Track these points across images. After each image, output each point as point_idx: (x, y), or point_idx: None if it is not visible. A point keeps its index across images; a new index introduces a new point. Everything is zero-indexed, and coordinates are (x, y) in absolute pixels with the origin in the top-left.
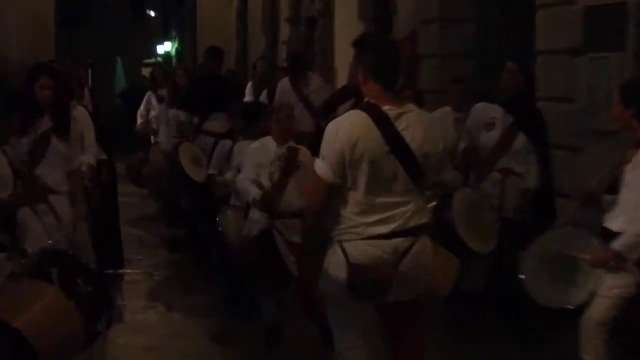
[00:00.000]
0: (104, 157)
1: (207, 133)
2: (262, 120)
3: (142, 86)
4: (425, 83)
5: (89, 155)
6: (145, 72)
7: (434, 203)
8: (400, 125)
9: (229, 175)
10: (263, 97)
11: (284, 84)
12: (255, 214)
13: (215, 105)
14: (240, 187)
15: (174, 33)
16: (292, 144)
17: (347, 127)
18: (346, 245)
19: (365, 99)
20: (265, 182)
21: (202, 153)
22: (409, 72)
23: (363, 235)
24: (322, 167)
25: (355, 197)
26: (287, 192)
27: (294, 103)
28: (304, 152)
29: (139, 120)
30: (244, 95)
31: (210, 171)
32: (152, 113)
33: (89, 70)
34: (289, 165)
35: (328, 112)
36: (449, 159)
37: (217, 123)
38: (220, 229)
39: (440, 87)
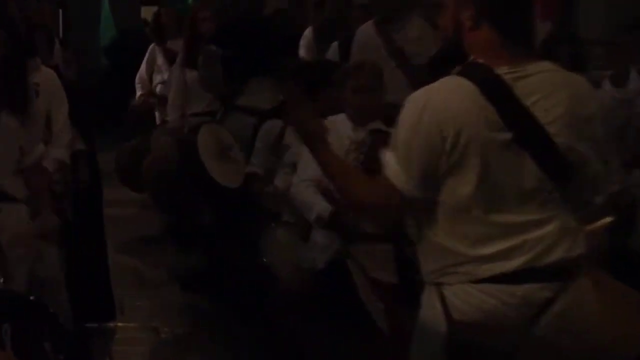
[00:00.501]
0: (82, 147)
1: (244, 109)
2: (331, 89)
3: (141, 36)
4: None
5: (59, 145)
6: (147, 13)
7: (605, 221)
8: (527, 96)
9: (280, 178)
10: (332, 51)
11: (366, 30)
12: (320, 237)
13: (257, 66)
14: (296, 197)
15: None
16: (378, 125)
17: (440, 102)
18: (447, 291)
19: (471, 57)
20: None
21: (236, 141)
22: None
23: (473, 276)
24: (393, 168)
25: (459, 215)
26: None
27: (381, 61)
28: None
29: (138, 90)
30: (299, 50)
31: (250, 169)
32: (158, 78)
33: (60, 12)
34: (373, 159)
35: (435, 74)
36: (614, 150)
37: (259, 94)
38: (264, 260)
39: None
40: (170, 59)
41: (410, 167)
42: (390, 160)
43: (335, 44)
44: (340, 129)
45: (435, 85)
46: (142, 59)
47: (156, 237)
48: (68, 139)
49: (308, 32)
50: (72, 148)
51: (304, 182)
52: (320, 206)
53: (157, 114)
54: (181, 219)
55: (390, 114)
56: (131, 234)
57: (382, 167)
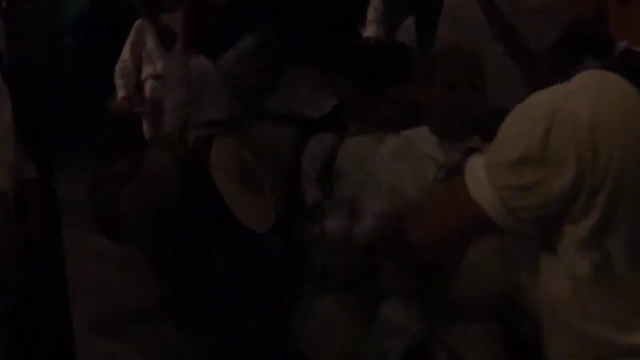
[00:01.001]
0: (32, 174)
1: (276, 117)
2: (406, 87)
3: (123, 5)
4: None
5: None
6: None
7: None
8: None
9: (333, 220)
10: (405, 29)
11: None
12: (395, 312)
13: (294, 50)
14: (360, 242)
15: None
16: (475, 141)
17: (581, 113)
18: None
19: (622, 43)
20: None
21: (265, 162)
22: None
23: None
24: (483, 185)
25: (597, 276)
26: (469, 261)
27: (483, 44)
28: None
29: (118, 88)
30: (361, 24)
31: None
32: (148, 69)
33: None
34: None
35: (561, 66)
36: None
37: (299, 93)
38: (299, 347)
39: None
40: (167, 40)
41: (516, 180)
42: (477, 164)
43: (410, 18)
44: (421, 147)
45: (573, 86)
46: (124, 39)
47: (145, 310)
48: (8, 160)
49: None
50: (17, 176)
51: (366, 227)
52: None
53: (146, 123)
54: (183, 282)
55: (493, 124)
56: (109, 305)
57: (467, 183)
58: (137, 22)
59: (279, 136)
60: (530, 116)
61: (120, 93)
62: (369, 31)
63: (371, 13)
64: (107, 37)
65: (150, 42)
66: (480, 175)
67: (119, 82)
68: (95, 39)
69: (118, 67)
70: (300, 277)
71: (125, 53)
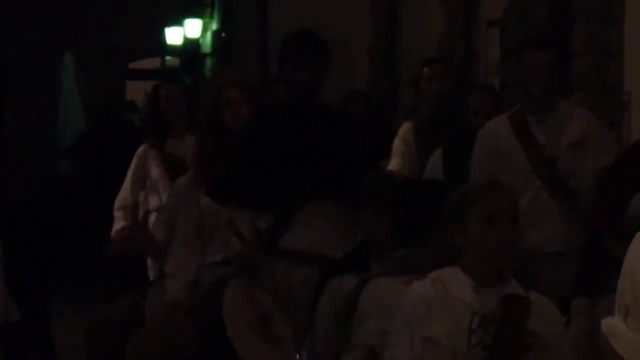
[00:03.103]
0: (16, 316)
1: (292, 256)
2: (438, 227)
3: (125, 129)
4: None
5: None
6: (135, 92)
7: None
8: None
9: None
10: (434, 163)
11: (497, 127)
12: None
13: (310, 184)
14: None
15: None
16: (513, 287)
17: None
18: None
19: None
20: None
21: (282, 307)
22: None
23: None
24: (630, 339)
25: None
26: None
27: (521, 177)
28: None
29: (117, 220)
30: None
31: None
32: (153, 201)
33: None
34: (506, 344)
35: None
36: None
37: (317, 230)
38: None
39: None
40: (174, 170)
41: None
42: (619, 326)
43: (438, 151)
44: (454, 291)
45: None
46: (126, 166)
47: None
48: None
49: (407, 129)
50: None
51: None
52: None
53: (150, 263)
54: None
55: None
56: None
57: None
58: (141, 149)
59: (299, 277)
60: None
61: (119, 224)
62: (394, 164)
63: (397, 146)
64: (106, 162)
65: (155, 171)
66: (617, 325)
67: (118, 213)
68: (92, 165)
69: (119, 196)
70: None
71: (127, 182)
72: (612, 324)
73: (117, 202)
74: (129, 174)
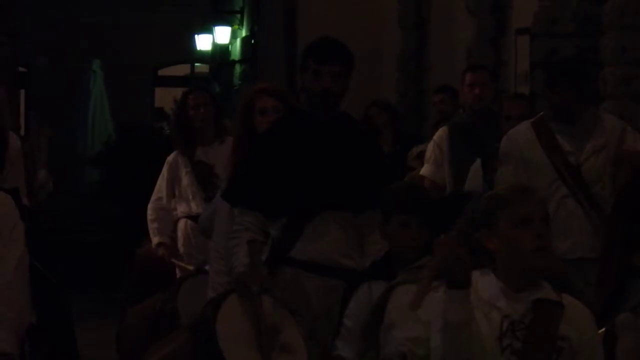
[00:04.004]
0: (32, 320)
1: (304, 263)
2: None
3: (154, 136)
4: None
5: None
6: (164, 99)
7: None
8: None
9: None
10: (475, 169)
11: (522, 134)
12: None
13: (324, 194)
14: None
15: (237, 5)
16: (545, 292)
17: None
18: None
19: None
20: None
21: (295, 316)
22: None
23: None
24: None
25: None
26: None
27: (547, 182)
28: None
29: (153, 233)
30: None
31: None
32: (183, 209)
33: (21, 94)
34: (536, 348)
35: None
36: None
37: (331, 239)
38: None
39: None
40: (204, 177)
41: None
42: None
43: (478, 162)
44: (485, 295)
45: None
46: (153, 174)
47: None
48: (18, 311)
49: (442, 135)
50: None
51: None
52: None
53: (179, 268)
54: None
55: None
56: None
57: None
58: (171, 156)
59: (313, 284)
60: None
61: (156, 239)
62: (426, 171)
63: (431, 151)
64: (134, 170)
65: (185, 178)
66: None
67: (153, 225)
68: (121, 172)
69: (152, 206)
70: None
71: (160, 191)
72: None
73: (152, 212)
74: (162, 181)
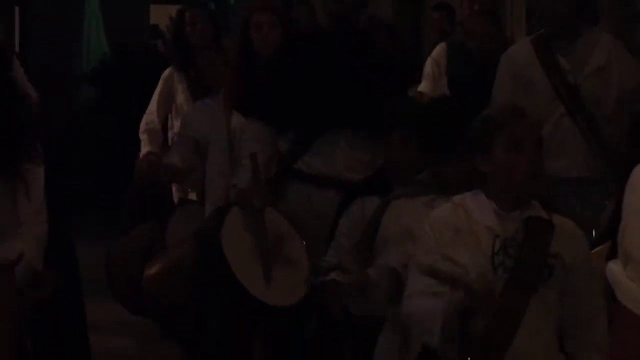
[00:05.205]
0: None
1: (311, 176)
2: (463, 160)
3: (149, 53)
4: None
5: (28, 237)
6: (159, 16)
7: None
8: None
9: (380, 292)
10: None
11: (520, 52)
12: None
13: (332, 110)
14: (409, 313)
15: None
16: (535, 210)
17: None
18: None
19: None
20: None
21: (302, 228)
22: None
23: None
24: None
25: None
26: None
27: (544, 103)
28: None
29: (144, 143)
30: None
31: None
32: (178, 124)
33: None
34: (528, 266)
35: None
36: None
37: (336, 152)
38: None
39: None
40: (199, 93)
41: None
42: (620, 276)
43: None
44: (476, 215)
45: None
46: (151, 89)
47: None
48: (42, 229)
49: (440, 51)
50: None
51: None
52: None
53: (175, 187)
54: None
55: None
56: None
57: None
58: (167, 72)
59: (319, 197)
60: None
61: (146, 148)
62: (424, 86)
63: (429, 67)
64: (129, 86)
65: (181, 95)
66: (619, 275)
67: (143, 136)
68: (116, 89)
69: (144, 120)
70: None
71: (153, 105)
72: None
73: (143, 125)
74: (155, 96)
